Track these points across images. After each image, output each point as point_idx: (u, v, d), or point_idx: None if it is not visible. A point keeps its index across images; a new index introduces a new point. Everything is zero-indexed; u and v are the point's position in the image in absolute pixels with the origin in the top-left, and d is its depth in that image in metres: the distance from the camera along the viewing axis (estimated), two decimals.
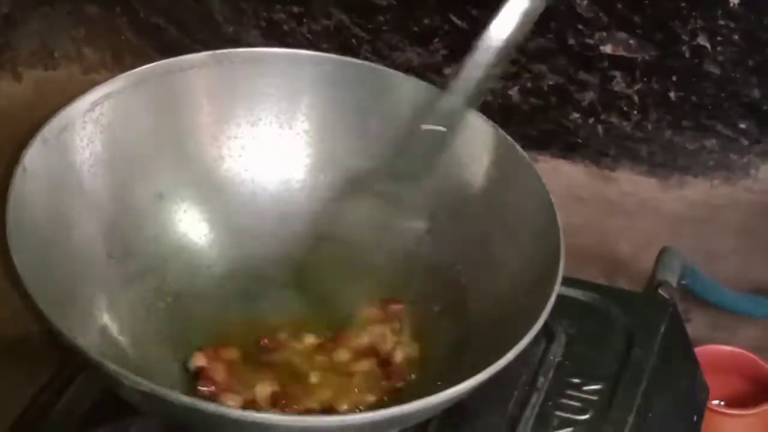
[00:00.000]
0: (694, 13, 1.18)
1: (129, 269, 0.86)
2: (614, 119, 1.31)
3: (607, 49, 1.23)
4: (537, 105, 1.30)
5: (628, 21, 1.17)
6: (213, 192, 0.92)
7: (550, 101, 1.28)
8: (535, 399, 0.85)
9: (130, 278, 0.86)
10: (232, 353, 0.84)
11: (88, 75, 1.53)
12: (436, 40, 1.33)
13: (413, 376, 0.84)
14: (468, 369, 0.73)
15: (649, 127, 1.30)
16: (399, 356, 0.85)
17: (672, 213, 1.33)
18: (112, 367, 0.69)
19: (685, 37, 1.20)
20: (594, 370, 0.88)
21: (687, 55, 1.22)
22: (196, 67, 0.91)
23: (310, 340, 0.86)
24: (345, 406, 0.81)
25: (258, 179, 0.94)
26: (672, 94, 1.26)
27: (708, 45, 1.20)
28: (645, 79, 1.26)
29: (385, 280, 0.88)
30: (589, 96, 1.29)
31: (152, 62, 0.90)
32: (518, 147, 0.88)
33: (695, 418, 0.98)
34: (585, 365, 0.88)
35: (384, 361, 0.85)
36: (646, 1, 1.15)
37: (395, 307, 0.88)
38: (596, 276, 0.99)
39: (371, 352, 0.85)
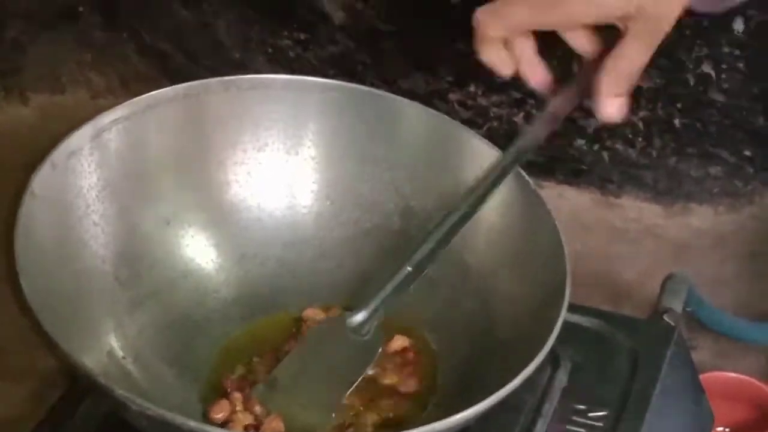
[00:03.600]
0: (698, 41, 1.18)
1: (136, 293, 0.86)
2: (619, 146, 1.31)
3: None
4: None
5: None
6: (220, 217, 0.93)
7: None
8: (541, 425, 0.85)
9: (137, 302, 0.86)
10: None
11: (95, 100, 1.53)
12: (442, 66, 1.34)
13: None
14: (473, 395, 0.73)
15: (654, 153, 1.30)
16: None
17: (676, 240, 1.33)
18: (119, 391, 0.69)
19: (689, 65, 1.21)
20: (599, 397, 0.87)
21: (692, 82, 1.22)
22: (203, 93, 0.91)
23: None
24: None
25: (264, 205, 0.94)
26: (677, 121, 1.27)
27: (713, 72, 1.21)
28: (650, 106, 1.26)
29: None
30: (594, 123, 1.30)
31: (159, 88, 0.90)
32: (523, 173, 0.88)
33: None
34: (590, 391, 0.88)
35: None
36: None
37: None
38: (601, 302, 0.99)
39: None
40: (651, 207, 1.34)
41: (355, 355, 0.84)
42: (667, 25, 0.79)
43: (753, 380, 1.29)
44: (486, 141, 0.91)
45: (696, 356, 0.99)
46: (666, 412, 0.89)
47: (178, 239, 0.91)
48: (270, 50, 1.41)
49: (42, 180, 0.80)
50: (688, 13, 0.80)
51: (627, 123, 1.28)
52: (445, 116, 0.94)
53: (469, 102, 1.35)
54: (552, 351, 0.77)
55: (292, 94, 0.94)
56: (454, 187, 0.91)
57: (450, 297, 0.89)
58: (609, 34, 0.81)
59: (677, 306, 1.01)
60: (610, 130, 1.30)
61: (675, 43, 1.19)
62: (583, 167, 1.34)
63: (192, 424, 0.68)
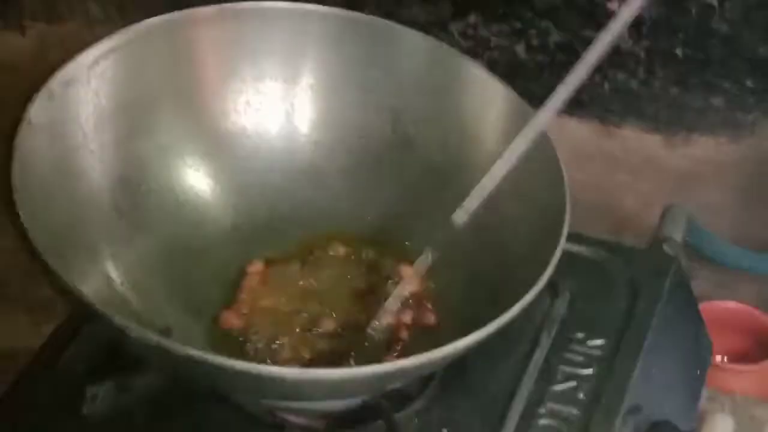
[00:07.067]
0: None
1: (134, 222, 0.86)
2: (621, 77, 1.30)
3: (614, 5, 1.23)
4: (543, 62, 1.30)
5: None
6: (218, 146, 0.92)
7: (556, 58, 1.28)
8: (539, 354, 0.86)
9: (135, 230, 0.86)
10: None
11: (92, 29, 1.52)
12: None
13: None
14: (472, 324, 0.73)
15: (656, 84, 1.29)
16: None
17: (677, 170, 1.33)
18: (117, 318, 0.69)
19: None
20: (598, 325, 0.88)
21: (694, 12, 1.21)
22: (202, 21, 0.91)
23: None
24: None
25: (263, 134, 0.94)
26: (678, 52, 1.26)
27: (715, 2, 1.20)
28: (651, 36, 1.25)
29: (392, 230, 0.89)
30: None
31: (157, 16, 0.89)
32: (524, 102, 0.87)
33: (698, 373, 0.98)
34: (589, 320, 0.88)
35: None
36: None
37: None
38: (601, 232, 0.99)
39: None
40: (652, 137, 1.33)
41: None
42: None
43: (751, 309, 1.30)
44: (486, 70, 0.91)
45: (694, 286, 0.99)
46: (665, 341, 0.89)
47: (176, 168, 0.90)
48: None
49: (39, 109, 0.80)
50: None
51: (628, 53, 1.27)
52: (445, 44, 0.93)
53: (470, 32, 1.34)
54: (551, 280, 0.77)
55: (290, 23, 0.93)
56: (453, 116, 0.91)
57: (448, 226, 0.89)
58: None
59: (677, 235, 1.01)
60: (612, 60, 1.29)
61: None
62: (584, 98, 1.33)
63: (191, 351, 0.68)
